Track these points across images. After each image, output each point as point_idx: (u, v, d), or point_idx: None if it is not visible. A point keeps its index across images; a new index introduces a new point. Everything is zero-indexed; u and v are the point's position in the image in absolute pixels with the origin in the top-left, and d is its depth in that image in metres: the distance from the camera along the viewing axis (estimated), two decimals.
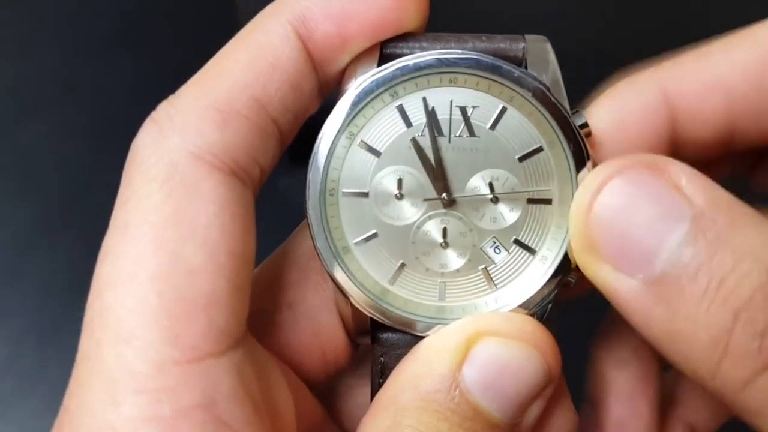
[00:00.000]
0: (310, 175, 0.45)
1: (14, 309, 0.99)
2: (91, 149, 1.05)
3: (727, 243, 0.37)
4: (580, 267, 0.42)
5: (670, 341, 0.39)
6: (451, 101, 0.45)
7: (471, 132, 0.45)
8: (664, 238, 0.38)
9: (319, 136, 0.45)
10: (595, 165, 0.44)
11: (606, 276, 0.40)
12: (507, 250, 0.46)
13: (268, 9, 0.45)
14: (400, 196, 0.46)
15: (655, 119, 0.46)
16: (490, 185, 0.45)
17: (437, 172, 0.45)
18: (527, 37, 0.46)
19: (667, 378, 0.56)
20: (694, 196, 0.38)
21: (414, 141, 0.45)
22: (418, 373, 0.43)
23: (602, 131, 0.46)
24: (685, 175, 0.39)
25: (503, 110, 0.45)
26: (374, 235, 0.46)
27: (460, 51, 0.45)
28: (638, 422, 0.54)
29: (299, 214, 0.49)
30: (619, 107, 0.46)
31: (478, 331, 0.43)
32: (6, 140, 1.08)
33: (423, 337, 0.45)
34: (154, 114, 0.44)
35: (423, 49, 0.45)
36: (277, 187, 0.66)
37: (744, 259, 0.37)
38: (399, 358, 0.45)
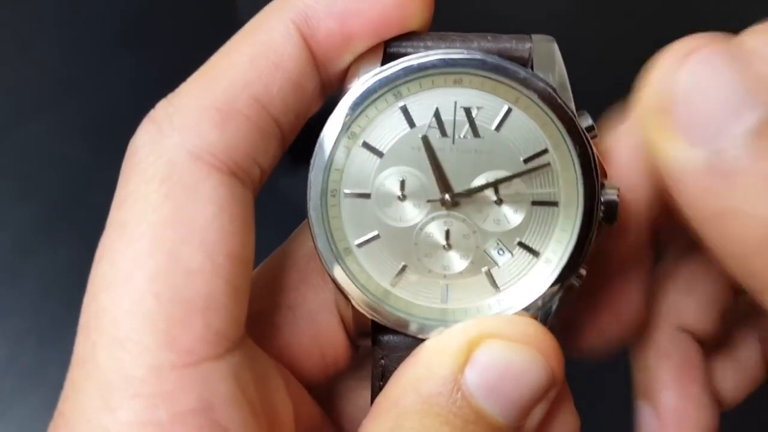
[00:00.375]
0: (312, 176, 0.45)
1: (14, 309, 0.99)
2: (91, 149, 1.06)
3: None
4: (647, 134, 0.41)
5: (721, 219, 0.38)
6: (456, 102, 0.44)
7: (475, 133, 0.44)
8: (743, 116, 0.37)
9: (321, 136, 0.45)
10: (602, 167, 0.44)
11: (672, 144, 0.39)
12: (510, 253, 0.45)
13: (270, 6, 0.45)
14: (402, 198, 0.45)
15: None
16: (495, 187, 0.45)
17: (440, 173, 0.45)
18: (533, 37, 0.45)
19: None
20: None
21: (425, 138, 0.45)
22: (419, 375, 0.42)
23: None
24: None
25: (508, 111, 0.44)
26: (376, 237, 0.45)
27: (465, 51, 0.44)
28: (695, 406, 0.53)
29: (299, 214, 0.49)
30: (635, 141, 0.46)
31: (481, 333, 0.42)
32: (6, 140, 1.08)
33: (424, 340, 0.44)
34: (152, 113, 0.43)
35: (427, 48, 0.45)
36: (277, 187, 0.66)
37: None
38: (400, 360, 0.44)
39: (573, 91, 0.45)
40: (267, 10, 0.45)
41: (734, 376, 0.56)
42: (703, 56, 0.39)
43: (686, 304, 0.54)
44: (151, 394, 0.39)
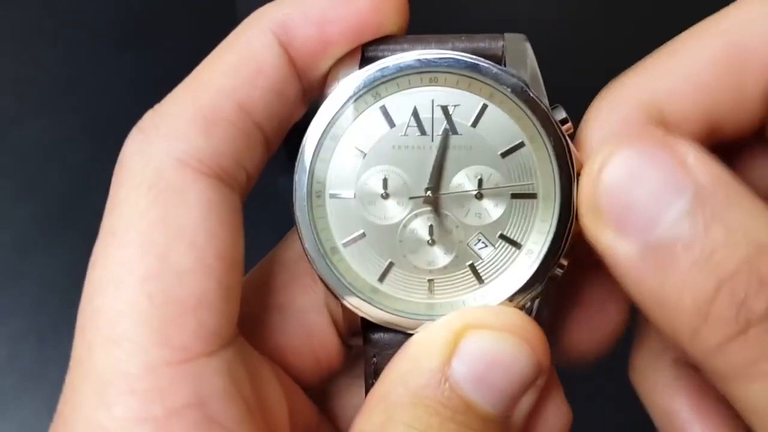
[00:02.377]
0: (296, 178, 0.46)
1: (14, 309, 0.99)
2: (91, 149, 1.06)
3: (722, 218, 0.38)
4: (584, 229, 0.43)
5: (657, 305, 0.40)
6: (433, 100, 0.45)
7: (453, 130, 0.45)
8: (666, 209, 0.39)
9: (304, 139, 0.46)
10: (577, 159, 0.45)
11: (607, 239, 0.41)
12: (493, 245, 0.46)
13: (250, 17, 0.46)
14: (385, 196, 0.46)
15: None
16: (479, 181, 0.45)
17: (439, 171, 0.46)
18: (506, 35, 0.46)
19: None
20: (698, 173, 0.39)
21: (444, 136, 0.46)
22: (407, 369, 0.43)
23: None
24: (691, 153, 0.40)
25: (484, 107, 0.45)
26: (362, 235, 0.46)
27: (439, 51, 0.45)
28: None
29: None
30: (602, 130, 0.46)
31: (466, 324, 0.43)
32: (6, 140, 1.08)
33: (413, 335, 0.45)
34: (140, 123, 0.44)
35: (404, 50, 0.46)
36: (276, 187, 0.66)
37: (735, 234, 0.38)
38: (391, 357, 0.45)
39: (555, 88, 0.46)
40: (247, 21, 0.46)
41: None
42: (630, 149, 0.41)
43: None
44: (146, 390, 0.40)
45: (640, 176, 0.40)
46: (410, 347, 0.44)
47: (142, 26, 1.14)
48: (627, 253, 0.40)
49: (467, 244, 0.46)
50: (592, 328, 0.52)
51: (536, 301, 0.46)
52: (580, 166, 0.45)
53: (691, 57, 0.46)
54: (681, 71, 0.46)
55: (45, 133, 1.08)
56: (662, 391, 0.53)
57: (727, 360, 0.38)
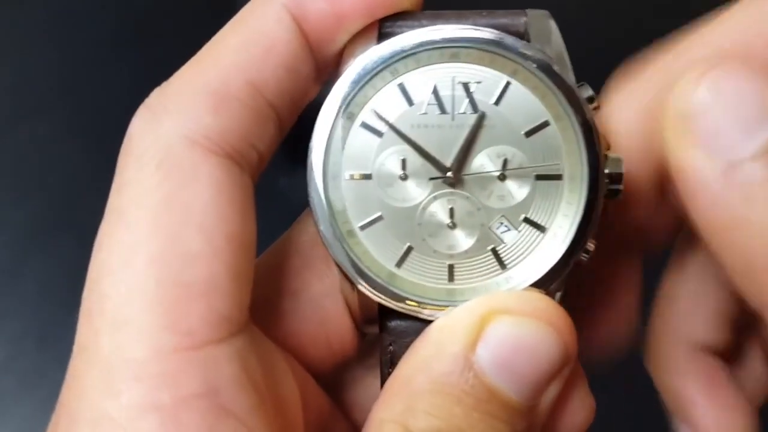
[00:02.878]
0: (311, 158, 0.44)
1: (14, 309, 0.99)
2: (91, 149, 1.05)
3: None
4: (667, 147, 0.41)
5: (734, 230, 0.38)
6: (453, 77, 0.44)
7: (475, 108, 0.44)
8: (760, 131, 0.38)
9: (319, 117, 0.44)
10: (604, 138, 0.44)
11: (690, 156, 0.39)
12: (516, 229, 0.44)
13: None
14: (404, 177, 0.44)
15: None
16: (504, 162, 0.44)
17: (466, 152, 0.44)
18: (529, 11, 0.45)
19: None
20: None
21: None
22: (429, 355, 0.41)
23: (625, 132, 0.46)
24: None
25: (507, 85, 0.44)
26: (379, 218, 0.44)
27: (461, 26, 0.44)
28: (731, 416, 0.53)
29: (299, 214, 0.48)
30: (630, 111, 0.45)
31: (492, 309, 0.41)
32: (6, 140, 1.07)
33: (433, 321, 0.43)
34: (147, 100, 0.43)
35: (422, 26, 0.44)
36: (277, 187, 0.66)
37: None
38: (408, 346, 0.43)
39: (574, 65, 0.44)
40: None
41: (745, 386, 0.56)
42: (725, 71, 0.39)
43: (694, 322, 0.54)
44: (153, 377, 0.38)
45: (735, 98, 0.39)
46: (432, 333, 0.42)
47: (142, 26, 1.14)
48: (712, 170, 0.38)
49: (489, 228, 0.44)
50: (608, 325, 0.51)
51: (562, 287, 0.44)
52: (608, 146, 0.43)
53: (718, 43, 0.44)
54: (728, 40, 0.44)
55: (45, 133, 1.08)
56: (675, 373, 0.53)
57: None
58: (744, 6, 0.45)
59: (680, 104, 0.40)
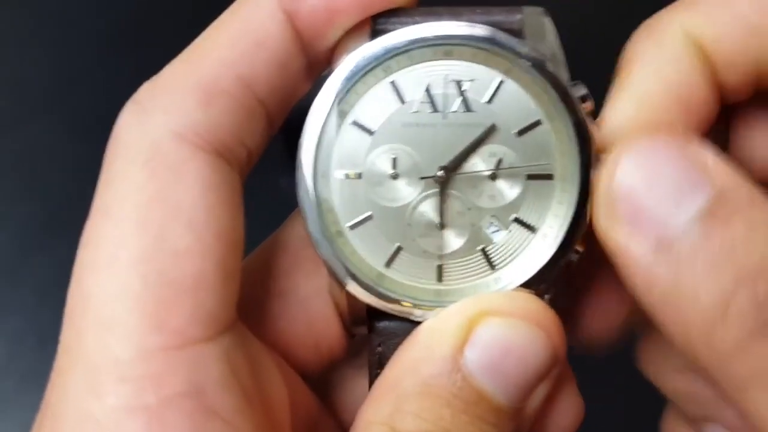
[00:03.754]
0: (301, 156, 0.44)
1: (14, 309, 0.98)
2: (91, 149, 1.04)
3: (744, 215, 0.37)
4: (595, 226, 0.41)
5: (669, 305, 0.38)
6: (446, 75, 0.43)
7: (467, 107, 0.43)
8: (683, 206, 0.37)
9: (309, 114, 0.44)
10: (595, 139, 0.43)
11: (619, 237, 0.39)
12: (506, 229, 0.44)
13: None
14: (394, 176, 0.44)
15: (694, 80, 0.44)
16: (498, 162, 0.43)
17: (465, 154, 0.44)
18: (524, 9, 0.44)
19: None
20: (718, 174, 0.37)
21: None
22: (418, 357, 0.41)
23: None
24: (710, 156, 0.38)
25: (500, 83, 0.43)
26: (369, 218, 0.44)
27: (454, 22, 0.43)
28: None
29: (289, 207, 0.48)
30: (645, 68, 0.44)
31: (480, 311, 0.41)
32: (6, 140, 1.07)
33: (421, 323, 0.43)
34: (136, 94, 0.42)
35: (416, 23, 0.44)
36: (277, 187, 0.65)
37: (758, 229, 0.36)
38: (397, 347, 0.43)
39: (570, 63, 0.44)
40: None
41: None
42: (643, 146, 0.39)
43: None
44: (138, 378, 0.38)
45: (657, 174, 0.38)
46: (421, 334, 0.42)
47: (142, 26, 1.14)
48: (640, 251, 0.38)
49: (479, 228, 0.44)
50: (606, 312, 0.50)
51: (551, 288, 0.44)
52: (600, 147, 0.43)
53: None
54: (730, 10, 0.43)
55: (45, 133, 1.07)
56: (677, 374, 0.51)
57: (746, 363, 0.36)
58: None
59: (604, 186, 0.40)
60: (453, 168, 0.44)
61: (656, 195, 0.38)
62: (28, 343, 0.96)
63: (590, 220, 0.42)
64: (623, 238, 0.38)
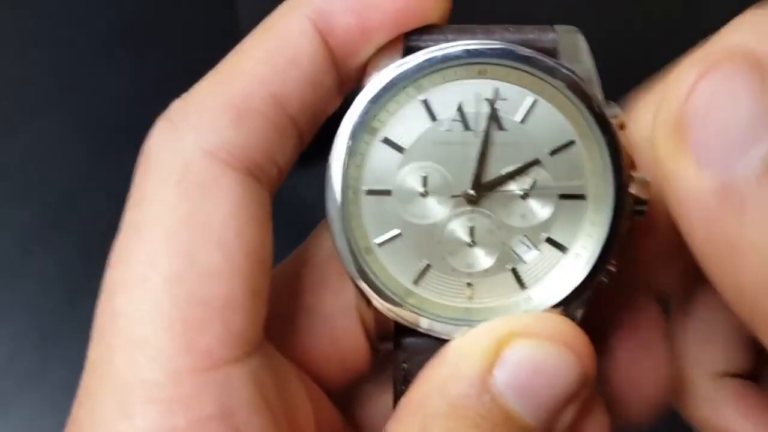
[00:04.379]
0: (331, 172, 0.43)
1: (15, 308, 0.98)
2: (91, 149, 1.06)
3: None
4: (658, 158, 0.38)
5: (731, 251, 0.35)
6: (479, 94, 0.43)
7: (500, 126, 0.43)
8: (761, 141, 0.35)
9: (339, 130, 0.43)
10: (630, 158, 0.43)
11: (681, 166, 0.36)
12: (537, 249, 0.43)
13: (287, 3, 0.44)
14: (425, 194, 0.43)
15: None
16: (533, 182, 0.43)
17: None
18: (557, 27, 0.44)
19: None
20: None
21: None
22: (445, 376, 0.41)
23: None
24: None
25: (534, 103, 0.43)
26: (398, 235, 0.44)
27: (489, 41, 0.43)
28: None
29: (306, 216, 0.48)
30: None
31: (510, 331, 0.41)
32: (6, 140, 1.07)
33: (448, 341, 0.43)
34: (167, 112, 0.42)
35: (448, 40, 0.43)
36: (283, 189, 0.66)
37: None
38: (423, 364, 0.42)
39: (602, 82, 0.43)
40: (283, 6, 0.44)
41: None
42: (723, 72, 0.36)
43: (713, 349, 0.52)
44: (168, 400, 0.37)
45: (735, 101, 0.35)
46: (449, 354, 0.42)
47: (142, 26, 1.14)
48: (706, 187, 0.35)
49: (510, 247, 0.44)
50: (640, 369, 0.49)
51: (581, 310, 0.44)
52: (633, 166, 0.43)
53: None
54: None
55: (45, 133, 1.08)
56: (708, 406, 0.51)
57: None
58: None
59: (673, 109, 0.37)
60: (476, 182, 0.43)
61: (734, 130, 0.35)
62: (28, 343, 0.96)
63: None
64: (687, 170, 0.36)
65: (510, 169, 0.43)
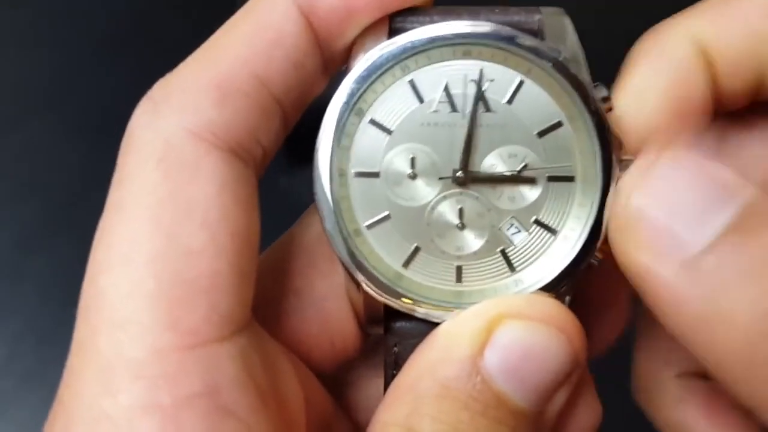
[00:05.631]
0: (318, 155, 0.43)
1: (14, 309, 0.98)
2: (91, 149, 1.05)
3: None
4: (615, 251, 0.40)
5: (702, 328, 0.36)
6: (465, 75, 0.43)
7: (487, 107, 0.43)
8: (708, 223, 0.36)
9: (326, 113, 0.43)
10: (618, 139, 0.42)
11: (642, 259, 0.38)
12: (527, 231, 0.43)
13: None
14: (413, 176, 0.43)
15: (694, 79, 0.44)
16: (523, 166, 0.43)
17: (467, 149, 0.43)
18: (543, 9, 0.44)
19: None
20: (741, 189, 0.36)
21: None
22: (436, 359, 0.41)
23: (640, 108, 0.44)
24: (728, 172, 0.37)
25: (520, 83, 0.43)
26: (387, 217, 0.43)
27: (474, 22, 0.43)
28: None
29: (299, 214, 0.47)
30: (649, 77, 0.44)
31: (500, 314, 0.41)
32: (6, 140, 1.07)
33: (439, 325, 0.43)
34: (150, 92, 0.42)
35: (434, 22, 0.43)
36: (277, 187, 0.65)
37: None
38: (413, 347, 0.42)
39: (589, 64, 0.43)
40: None
41: None
42: (660, 168, 0.38)
43: (681, 350, 0.52)
44: (152, 377, 0.37)
45: (677, 196, 0.37)
46: (439, 336, 0.42)
47: (141, 26, 1.14)
48: (666, 274, 0.37)
49: (499, 229, 0.43)
50: (597, 325, 0.50)
51: (571, 291, 0.43)
52: (621, 148, 0.42)
53: (746, 5, 0.43)
54: (735, 17, 0.43)
55: (45, 133, 1.08)
56: (672, 406, 0.51)
57: None
58: None
59: (621, 213, 0.39)
60: (465, 165, 0.43)
61: (679, 217, 0.37)
62: (28, 343, 0.96)
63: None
64: (648, 262, 0.38)
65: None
